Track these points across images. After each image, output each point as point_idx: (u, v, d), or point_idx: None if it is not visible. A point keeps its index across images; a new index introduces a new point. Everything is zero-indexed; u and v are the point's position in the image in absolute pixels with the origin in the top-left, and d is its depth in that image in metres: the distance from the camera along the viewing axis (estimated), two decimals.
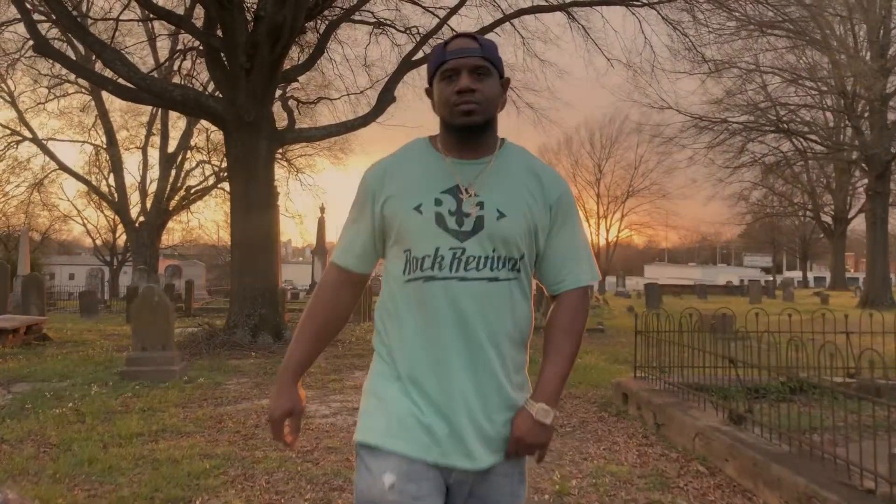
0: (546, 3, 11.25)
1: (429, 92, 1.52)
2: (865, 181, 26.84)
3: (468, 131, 1.44)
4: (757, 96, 25.50)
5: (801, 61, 25.11)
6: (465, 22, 15.37)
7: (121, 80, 9.07)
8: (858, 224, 37.65)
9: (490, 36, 12.03)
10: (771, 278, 54.49)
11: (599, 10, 11.64)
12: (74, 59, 18.06)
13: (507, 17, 11.45)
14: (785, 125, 26.47)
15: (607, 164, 46.53)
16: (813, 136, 27.82)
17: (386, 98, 10.70)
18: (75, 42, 16.24)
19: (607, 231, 47.56)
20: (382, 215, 1.47)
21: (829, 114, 28.72)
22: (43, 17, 10.61)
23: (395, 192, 1.45)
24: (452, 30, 12.22)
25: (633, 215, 47.65)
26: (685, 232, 50.78)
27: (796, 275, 57.06)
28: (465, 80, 1.40)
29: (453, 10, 11.38)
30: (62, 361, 8.28)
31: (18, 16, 9.61)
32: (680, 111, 24.22)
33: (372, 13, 12.18)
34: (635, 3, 11.38)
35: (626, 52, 17.65)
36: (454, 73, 1.42)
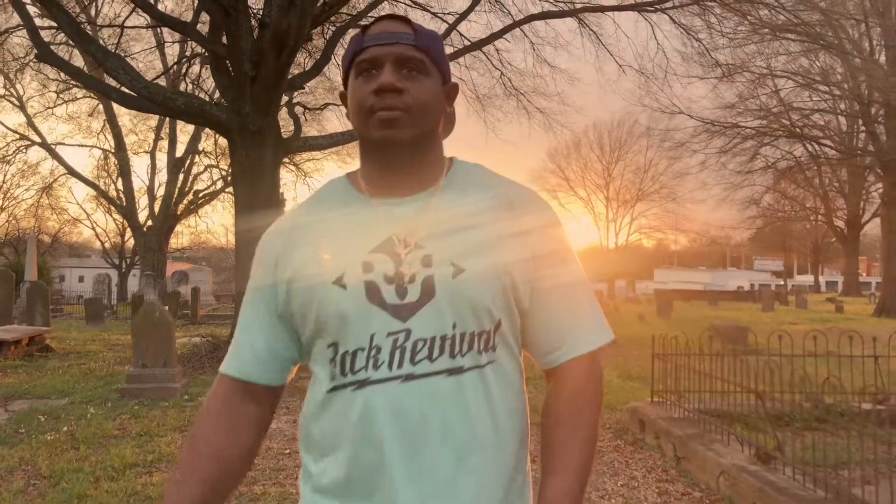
0: (557, 10, 11.03)
1: (343, 97, 1.11)
2: (880, 185, 26.44)
3: (392, 150, 1.03)
4: (770, 101, 25.18)
5: (814, 65, 24.79)
6: (475, 28, 15.25)
7: (125, 89, 8.91)
8: (870, 228, 37.21)
9: (498, 42, 11.89)
10: (782, 282, 53.96)
11: (611, 15, 11.43)
12: (83, 64, 18.01)
13: (517, 24, 11.23)
14: (798, 130, 26.12)
15: (616, 168, 46.19)
16: (826, 141, 27.45)
17: None
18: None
19: (616, 235, 47.22)
20: (289, 299, 1.05)
21: (842, 118, 28.34)
22: (51, 24, 10.47)
23: (305, 263, 1.03)
24: (462, 36, 12.03)
25: (643, 219, 47.28)
26: (695, 235, 50.29)
27: (807, 279, 56.49)
28: (388, 75, 1.00)
29: (462, 16, 11.18)
30: (62, 376, 8.11)
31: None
32: (692, 116, 23.93)
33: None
34: (647, 8, 11.15)
35: (639, 58, 17.47)
36: (373, 65, 1.02)
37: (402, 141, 1.01)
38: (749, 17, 13.17)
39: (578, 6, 10.89)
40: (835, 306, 24.52)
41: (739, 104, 24.33)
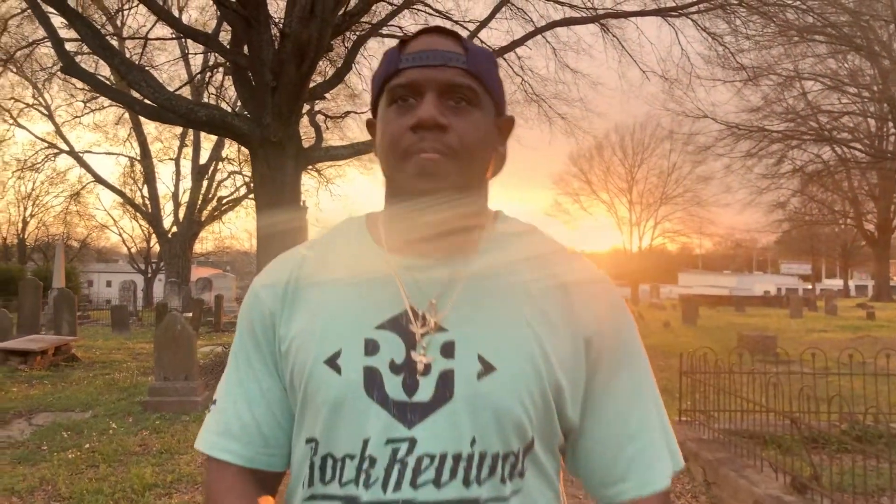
0: (579, 16, 10.91)
1: (371, 125, 0.91)
2: None
3: (429, 205, 0.80)
4: (797, 103, 24.74)
5: (843, 67, 24.30)
6: (495, 35, 15.15)
7: (147, 100, 8.97)
8: None
9: (520, 49, 11.78)
10: (809, 286, 53.00)
11: (634, 20, 11.26)
12: (109, 75, 18.26)
13: (538, 30, 11.13)
14: (826, 133, 25.63)
15: (640, 171, 45.75)
16: (856, 144, 26.92)
17: None
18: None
19: (640, 238, 46.75)
20: (284, 373, 0.87)
21: (872, 121, 27.76)
22: (75, 36, 10.60)
23: (303, 329, 0.84)
24: (483, 43, 11.95)
25: (667, 223, 46.75)
26: (720, 239, 49.62)
27: (836, 283, 55.40)
28: (430, 107, 0.79)
29: (483, 23, 11.10)
30: (87, 388, 8.16)
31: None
32: (716, 120, 23.59)
33: (400, 27, 11.96)
34: (671, 13, 10.98)
35: (662, 62, 17.26)
36: (412, 92, 0.82)
37: (441, 193, 0.79)
38: (775, 20, 12.93)
39: (601, 11, 10.76)
40: (866, 312, 23.95)
41: (765, 107, 23.95)
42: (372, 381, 0.79)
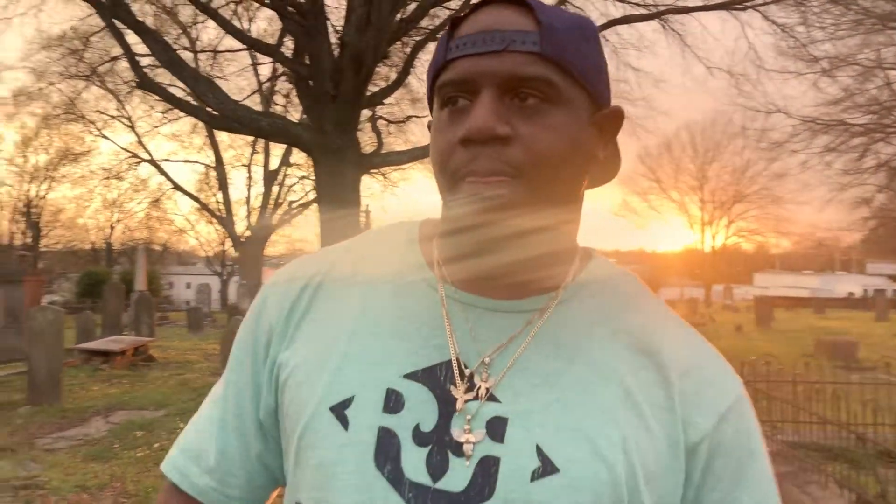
0: (639, 13, 10.65)
1: (430, 128, 0.69)
2: None
3: (487, 240, 0.61)
4: (880, 94, 23.37)
5: None
6: None
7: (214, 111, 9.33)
8: None
9: None
10: None
11: (696, 16, 10.92)
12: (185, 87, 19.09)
13: (598, 29, 10.97)
14: None
15: (711, 169, 44.28)
16: None
17: None
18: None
19: (713, 238, 45.24)
20: (285, 403, 0.67)
21: None
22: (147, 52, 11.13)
23: (310, 359, 0.66)
24: None
25: (741, 221, 45.07)
26: (798, 238, 47.48)
27: None
28: (484, 111, 0.58)
29: None
30: (161, 387, 8.56)
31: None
32: (790, 115, 22.55)
33: None
34: (737, 6, 10.59)
35: (729, 56, 16.71)
36: (463, 89, 0.61)
37: (504, 227, 0.59)
38: (853, 8, 12.28)
39: (662, 8, 10.49)
40: None
41: (845, 99, 22.72)
42: (386, 448, 0.59)
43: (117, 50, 18.01)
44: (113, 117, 28.87)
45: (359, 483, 0.59)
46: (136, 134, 29.60)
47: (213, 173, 32.01)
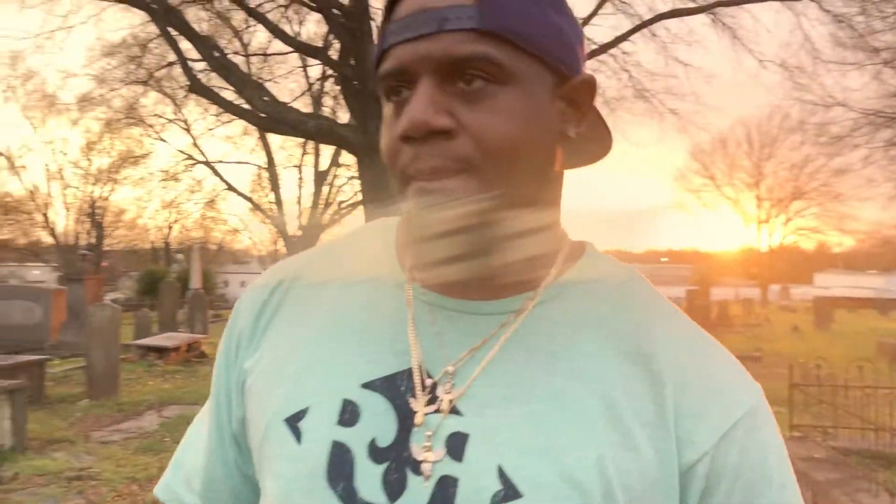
0: (687, 7, 10.41)
1: None
2: None
3: (447, 249, 0.55)
4: None
5: None
6: (600, 32, 14.71)
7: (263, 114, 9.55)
8: None
9: (626, 44, 11.39)
10: None
11: (747, 8, 10.58)
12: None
13: (645, 23, 10.72)
14: None
15: (768, 165, 42.93)
16: None
17: None
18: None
19: (770, 236, 43.89)
20: (245, 412, 0.65)
21: None
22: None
23: (270, 368, 0.62)
24: (588, 40, 11.70)
25: (800, 219, 43.58)
26: (863, 236, 45.60)
27: None
28: (419, 105, 0.53)
29: (586, 20, 10.86)
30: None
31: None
32: (851, 108, 21.66)
33: None
34: None
35: (784, 47, 16.21)
36: (402, 79, 0.56)
37: (463, 229, 0.53)
38: None
39: (712, 1, 10.21)
40: None
41: None
42: (339, 464, 0.54)
43: (173, 55, 18.62)
44: (170, 120, 29.83)
45: (310, 502, 0.55)
46: (192, 136, 30.57)
47: (265, 174, 32.80)
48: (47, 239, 33.75)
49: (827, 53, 12.81)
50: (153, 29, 13.92)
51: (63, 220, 33.30)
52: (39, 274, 32.12)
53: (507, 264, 0.56)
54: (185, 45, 9.90)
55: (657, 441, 0.53)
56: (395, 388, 0.56)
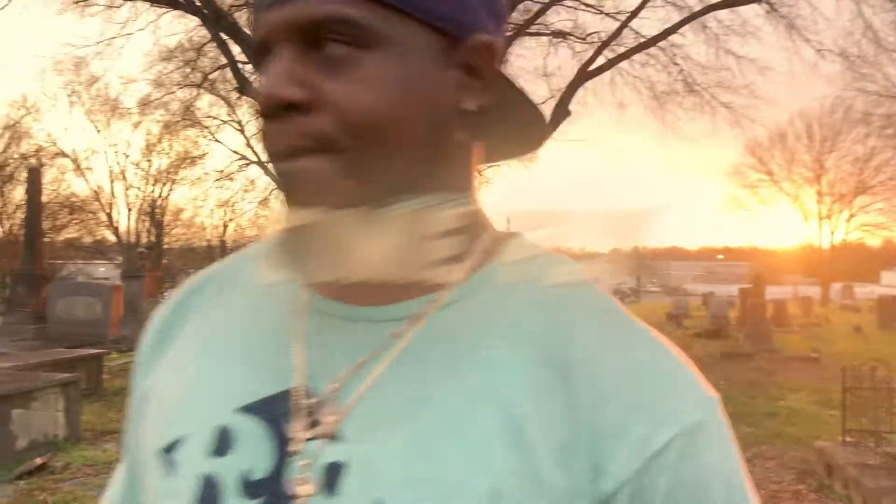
0: None
1: None
2: None
3: (314, 247, 0.47)
4: None
5: None
6: (648, 24, 14.33)
7: None
8: None
9: (676, 37, 11.08)
10: None
11: None
12: None
13: (694, 15, 10.45)
14: None
15: (830, 159, 41.30)
16: None
17: (560, 113, 10.29)
18: None
19: (832, 233, 42.25)
20: (139, 429, 0.57)
21: None
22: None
23: (156, 388, 0.56)
24: (636, 33, 11.48)
25: (864, 215, 41.79)
26: None
27: None
28: (274, 77, 0.45)
29: (634, 13, 10.66)
30: None
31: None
32: None
33: (546, 25, 11.83)
34: None
35: (845, 35, 15.53)
36: (267, 51, 0.48)
37: (328, 221, 0.47)
38: None
39: None
40: None
41: None
42: (208, 500, 0.47)
43: (225, 58, 19.10)
44: (224, 122, 30.61)
45: None
46: (245, 137, 31.29)
47: None
48: (111, 237, 35.08)
49: (890, 42, 12.21)
50: (205, 33, 14.33)
51: (125, 220, 34.52)
52: (104, 271, 33.42)
53: (387, 263, 0.47)
54: (237, 48, 10.15)
55: (569, 468, 0.44)
56: (274, 411, 0.48)
